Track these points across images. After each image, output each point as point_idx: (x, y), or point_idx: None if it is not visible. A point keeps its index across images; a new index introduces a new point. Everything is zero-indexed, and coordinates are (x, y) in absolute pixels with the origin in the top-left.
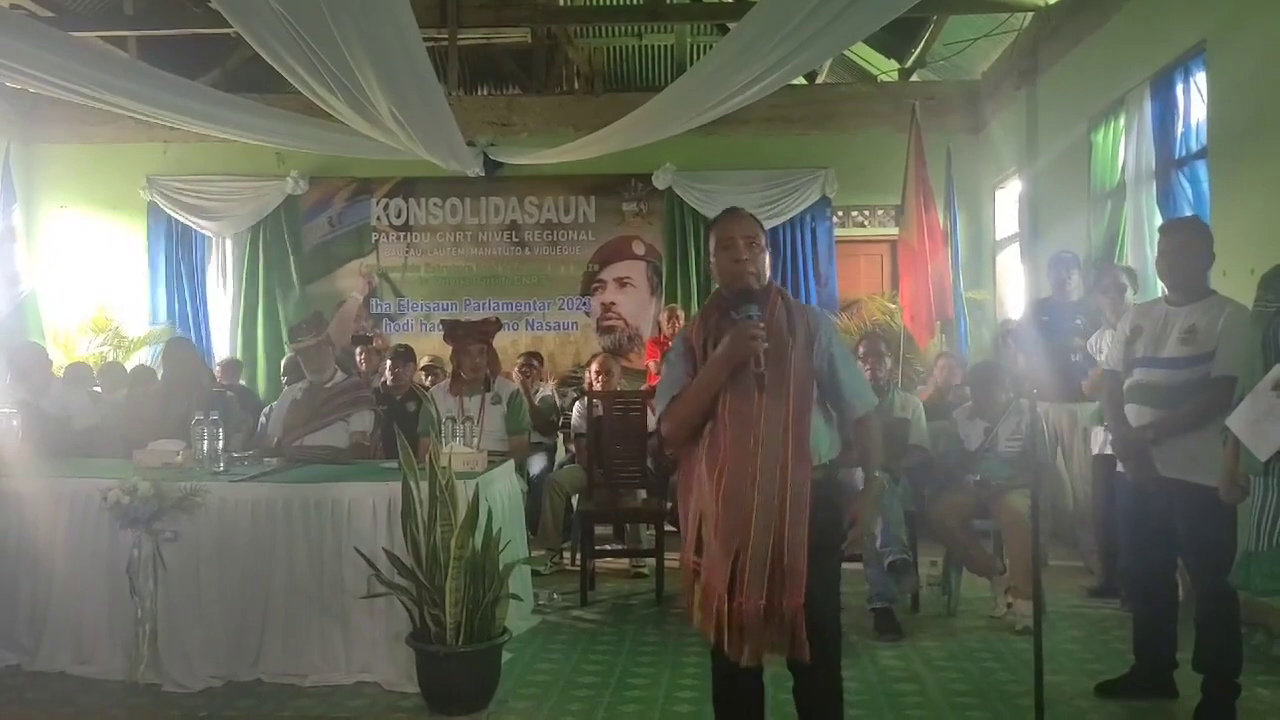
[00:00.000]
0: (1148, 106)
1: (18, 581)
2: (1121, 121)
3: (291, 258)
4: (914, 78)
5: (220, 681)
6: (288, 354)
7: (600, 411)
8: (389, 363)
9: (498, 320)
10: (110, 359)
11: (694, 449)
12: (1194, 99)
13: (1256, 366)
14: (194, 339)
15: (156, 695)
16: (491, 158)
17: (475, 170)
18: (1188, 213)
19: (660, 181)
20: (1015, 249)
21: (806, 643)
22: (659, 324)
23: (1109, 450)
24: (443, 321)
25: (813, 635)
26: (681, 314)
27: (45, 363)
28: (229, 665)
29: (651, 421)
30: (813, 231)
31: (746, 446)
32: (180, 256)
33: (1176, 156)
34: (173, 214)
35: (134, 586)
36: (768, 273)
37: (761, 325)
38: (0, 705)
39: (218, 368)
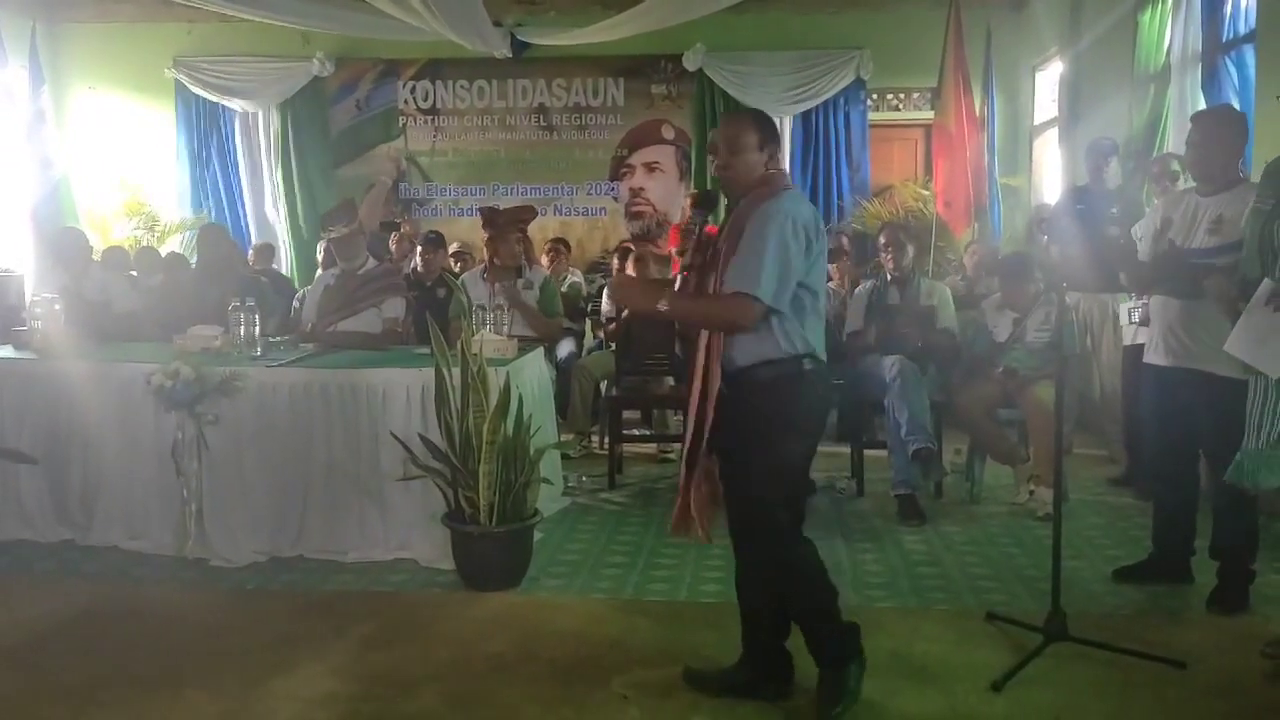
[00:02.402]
0: None
1: (69, 460)
2: (1169, 2)
3: (320, 141)
4: None
5: (264, 557)
6: (321, 242)
7: None
8: (419, 249)
9: (533, 208)
10: (145, 243)
11: None
12: None
13: (1254, 268)
14: (226, 222)
15: (205, 569)
16: (519, 38)
17: (502, 51)
18: (1233, 99)
19: (691, 63)
20: (1054, 133)
21: (701, 531)
22: (683, 210)
23: (1139, 340)
24: (481, 209)
25: (736, 525)
26: None
27: (85, 248)
28: (272, 542)
29: None
30: (846, 115)
31: (694, 355)
32: (210, 139)
33: (1224, 40)
34: (200, 93)
35: (179, 467)
36: (750, 171)
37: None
38: (58, 577)
39: (251, 252)
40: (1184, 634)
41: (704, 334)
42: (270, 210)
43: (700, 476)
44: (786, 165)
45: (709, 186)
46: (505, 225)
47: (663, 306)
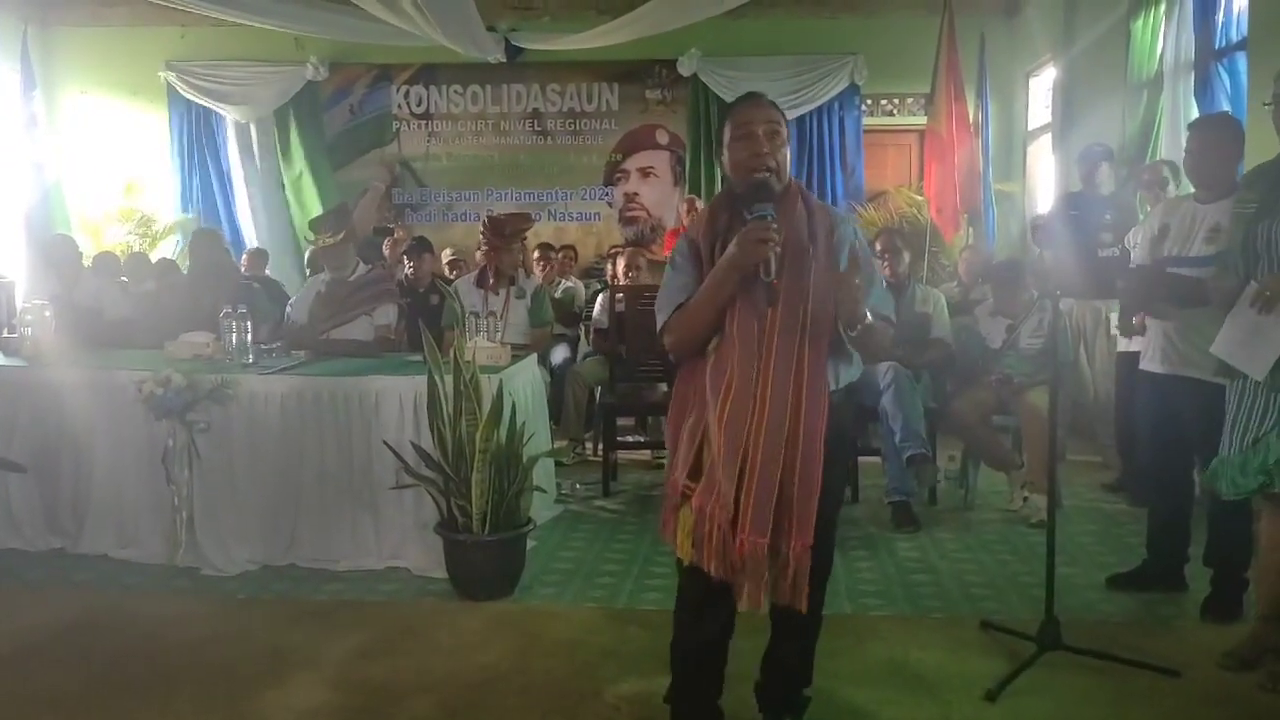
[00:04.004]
0: None
1: (59, 468)
2: (1162, 9)
3: (313, 146)
4: None
5: (256, 566)
6: (308, 249)
7: (623, 306)
8: (405, 257)
9: (530, 216)
10: (137, 248)
11: (698, 362)
12: None
13: (1236, 270)
14: (220, 227)
15: (195, 578)
16: (513, 43)
17: (496, 56)
18: (1225, 105)
19: (685, 68)
20: (1048, 139)
21: (806, 589)
22: (679, 214)
23: (1132, 347)
24: (489, 218)
25: (810, 577)
26: (701, 204)
27: (76, 254)
28: (264, 550)
29: None
30: (840, 120)
31: (755, 367)
32: (204, 143)
33: (1216, 47)
34: (192, 99)
35: (170, 475)
36: (788, 169)
37: (775, 227)
38: (49, 585)
39: (244, 257)
40: (1178, 642)
41: (785, 339)
42: (264, 215)
43: (763, 527)
44: None
45: (701, 192)
46: (511, 236)
47: (868, 319)
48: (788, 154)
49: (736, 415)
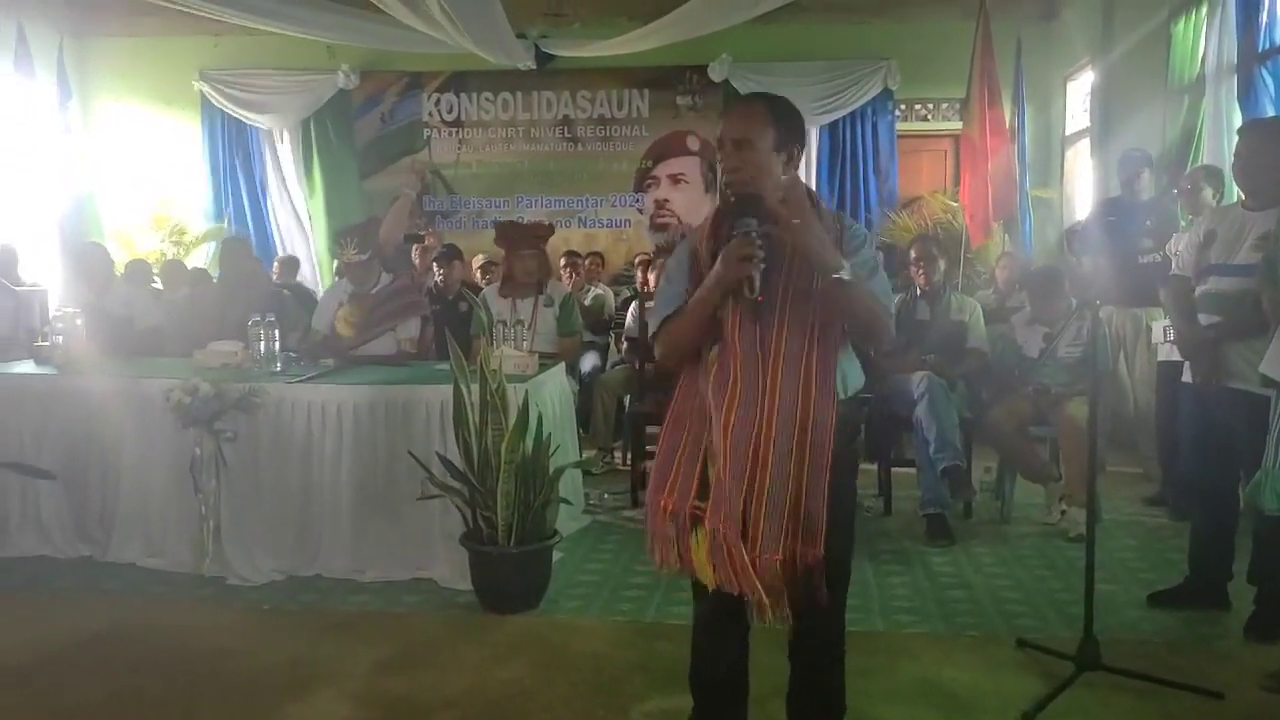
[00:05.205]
0: None
1: (88, 477)
2: (1203, 11)
3: (345, 153)
4: None
5: (282, 575)
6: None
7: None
8: (435, 264)
9: (551, 226)
10: (171, 256)
11: (696, 373)
12: None
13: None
14: (251, 235)
15: (222, 587)
16: (543, 49)
17: (526, 63)
18: (1269, 110)
19: (716, 74)
20: (1086, 145)
21: (825, 591)
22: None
23: (1174, 357)
24: (496, 222)
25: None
26: None
27: (107, 263)
28: (290, 560)
29: None
30: (874, 126)
31: (760, 375)
32: (235, 152)
33: (1260, 50)
34: (225, 108)
35: (197, 484)
36: (776, 173)
37: (757, 242)
38: (77, 593)
39: (276, 265)
40: (1221, 663)
41: (792, 349)
42: (296, 222)
43: (775, 542)
44: (813, 176)
45: None
46: (517, 242)
47: (844, 275)
48: (774, 160)
49: (742, 424)
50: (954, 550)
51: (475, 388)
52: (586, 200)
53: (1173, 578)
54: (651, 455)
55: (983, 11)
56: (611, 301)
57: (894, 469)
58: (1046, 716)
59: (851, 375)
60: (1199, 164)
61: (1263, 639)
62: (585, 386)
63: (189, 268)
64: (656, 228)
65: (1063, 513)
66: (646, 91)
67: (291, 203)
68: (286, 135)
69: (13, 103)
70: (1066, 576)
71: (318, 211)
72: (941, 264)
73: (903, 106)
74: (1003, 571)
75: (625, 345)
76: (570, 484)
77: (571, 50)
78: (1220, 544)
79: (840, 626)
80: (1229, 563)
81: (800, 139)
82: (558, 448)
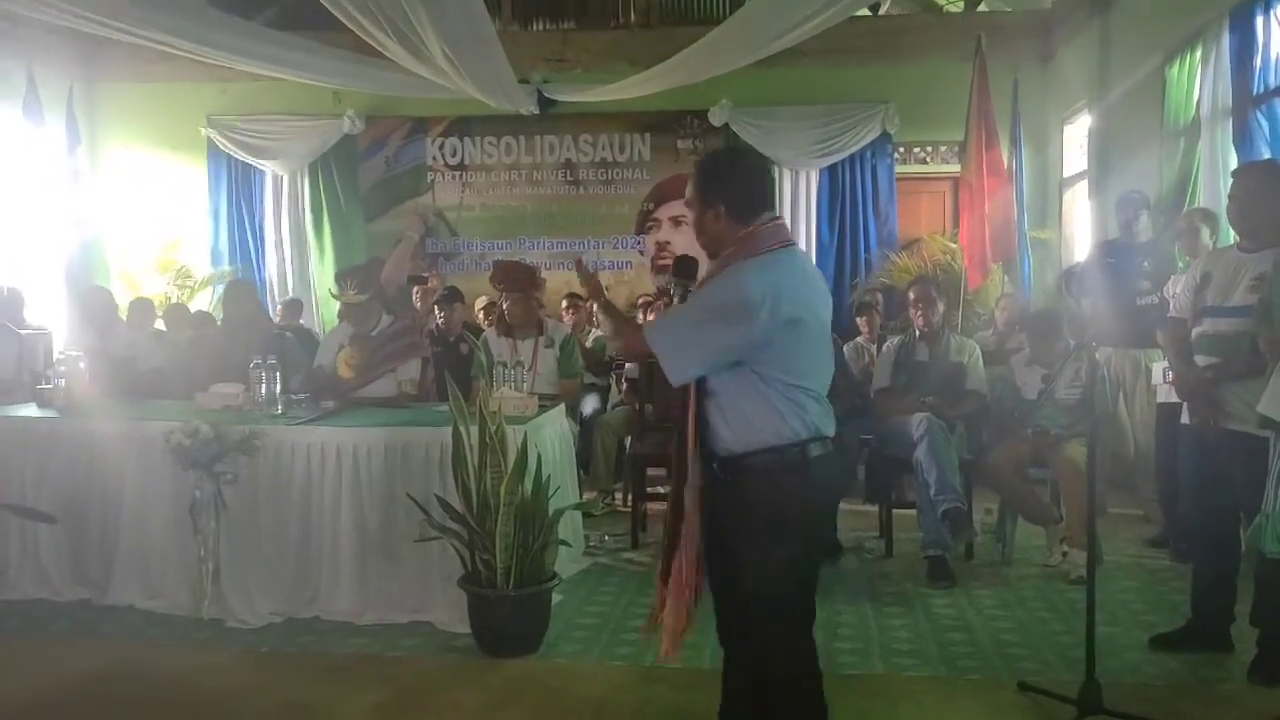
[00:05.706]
0: (1225, 39)
1: (88, 519)
2: (1198, 55)
3: (350, 197)
4: (981, 6)
5: (281, 618)
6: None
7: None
8: (436, 306)
9: (535, 271)
10: (176, 299)
11: None
12: (1274, 32)
13: (1276, 319)
14: (256, 279)
15: (220, 630)
16: (545, 94)
17: (529, 108)
18: (1265, 153)
19: (716, 118)
20: (1083, 186)
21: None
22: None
23: (1173, 398)
24: (495, 262)
25: (738, 622)
26: None
27: (111, 306)
28: (289, 603)
29: None
30: (873, 168)
31: (682, 429)
32: (241, 196)
33: (1254, 93)
34: (232, 153)
35: (197, 526)
36: (716, 227)
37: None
38: (74, 637)
39: (279, 307)
40: (1224, 706)
41: (689, 418)
42: (301, 266)
43: (682, 579)
44: (813, 219)
45: None
46: (505, 283)
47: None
48: (707, 218)
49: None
50: (955, 592)
51: (474, 429)
52: (588, 242)
53: (1175, 620)
54: (652, 497)
55: (980, 55)
56: None
57: (895, 510)
58: None
59: (731, 432)
60: (1195, 205)
61: (1267, 681)
62: (586, 428)
63: (192, 311)
64: (658, 269)
65: (1064, 555)
66: (648, 135)
67: (297, 246)
68: (290, 180)
69: (22, 148)
70: (1068, 619)
71: (323, 255)
72: (941, 305)
73: (901, 149)
74: (1004, 614)
75: (626, 386)
76: (570, 526)
77: (573, 95)
78: (1222, 586)
79: (756, 679)
80: (1231, 605)
81: (719, 191)
82: (557, 489)
